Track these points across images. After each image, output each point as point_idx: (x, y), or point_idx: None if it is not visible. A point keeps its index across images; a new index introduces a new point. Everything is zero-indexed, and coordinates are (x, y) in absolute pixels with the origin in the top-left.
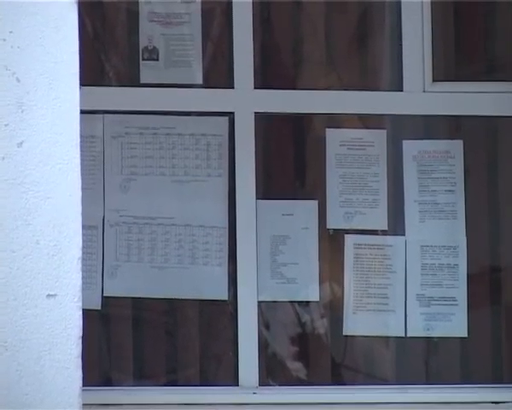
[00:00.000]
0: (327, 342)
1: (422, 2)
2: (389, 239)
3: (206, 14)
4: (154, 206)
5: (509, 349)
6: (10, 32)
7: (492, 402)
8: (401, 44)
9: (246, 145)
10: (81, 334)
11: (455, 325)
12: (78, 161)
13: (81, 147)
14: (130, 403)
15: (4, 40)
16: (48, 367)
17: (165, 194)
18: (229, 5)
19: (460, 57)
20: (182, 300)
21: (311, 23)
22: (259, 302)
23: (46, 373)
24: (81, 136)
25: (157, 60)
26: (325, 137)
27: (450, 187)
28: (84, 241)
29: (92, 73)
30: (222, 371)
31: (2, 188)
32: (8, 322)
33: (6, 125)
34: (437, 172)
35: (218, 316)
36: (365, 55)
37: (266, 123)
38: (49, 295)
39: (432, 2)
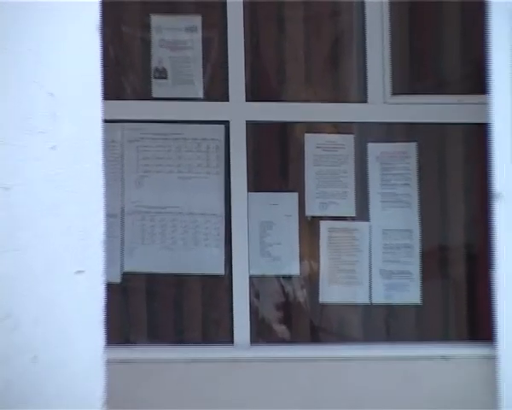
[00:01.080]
0: (306, 309)
1: (383, 29)
2: (356, 224)
3: (206, 41)
4: (163, 198)
5: (455, 314)
6: (46, 55)
7: (441, 357)
8: (365, 64)
9: (239, 148)
10: (104, 303)
11: (410, 294)
12: (101, 161)
13: (103, 150)
14: (144, 359)
15: (38, 61)
16: (77, 330)
17: (172, 188)
18: (225, 33)
19: (414, 74)
20: (186, 275)
21: (292, 48)
22: (250, 276)
23: (76, 335)
24: (103, 141)
25: (166, 78)
26: (304, 141)
27: (406, 181)
28: (106, 227)
29: (112, 88)
30: (220, 333)
31: (38, 184)
32: (44, 294)
33: (41, 132)
34: (395, 169)
35: (217, 288)
36: (336, 74)
37: (256, 129)
38: (78, 271)
39: (391, 30)
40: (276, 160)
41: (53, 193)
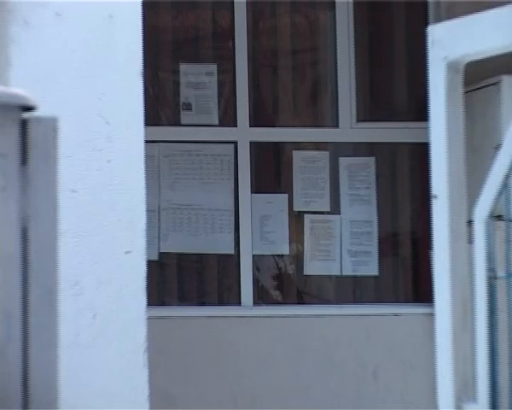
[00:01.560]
0: (293, 279)
1: (350, 74)
2: (331, 217)
3: (220, 83)
4: (188, 197)
5: (404, 282)
6: (102, 93)
7: (394, 314)
8: (337, 99)
9: (244, 161)
10: (145, 275)
11: (370, 268)
12: (143, 171)
13: (145, 162)
14: (175, 316)
15: (99, 99)
16: (126, 294)
17: (195, 190)
18: (234, 77)
19: (373, 107)
20: (206, 254)
21: (283, 87)
22: (253, 255)
23: (125, 298)
24: (146, 156)
25: (191, 110)
26: (292, 156)
27: (367, 185)
28: (147, 219)
29: (151, 117)
30: (230, 297)
31: (98, 187)
32: (102, 267)
33: (100, 150)
34: (359, 177)
35: (228, 264)
36: (315, 106)
37: (257, 148)
38: (127, 252)
39: (356, 75)
40: (271, 170)
41: (109, 194)
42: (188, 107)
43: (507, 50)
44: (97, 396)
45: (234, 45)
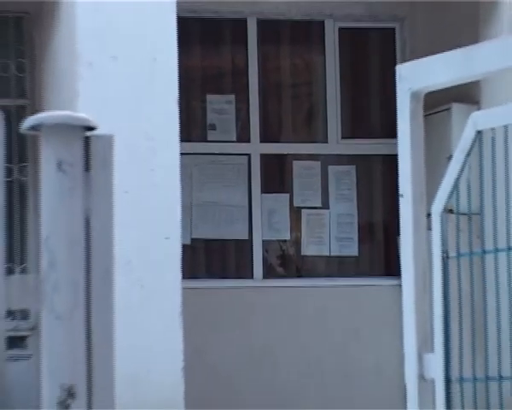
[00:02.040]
0: (294, 258)
1: (337, 102)
2: (322, 211)
3: (237, 110)
4: (213, 197)
5: (378, 260)
6: (148, 117)
7: (370, 285)
8: (327, 121)
9: (256, 169)
10: (180, 255)
11: (352, 250)
12: (178, 176)
13: (180, 169)
14: (203, 287)
15: (145, 121)
16: (165, 270)
17: (218, 191)
18: (247, 105)
19: (355, 126)
20: (227, 239)
21: (285, 112)
22: (263, 240)
23: (164, 272)
24: (181, 165)
25: (215, 130)
26: (292, 165)
27: (350, 187)
28: (181, 212)
29: (185, 135)
30: (246, 272)
31: (145, 189)
32: (142, 254)
33: (145, 160)
34: (344, 181)
35: (244, 247)
36: (310, 126)
37: (265, 158)
38: (166, 237)
39: (341, 102)
40: (276, 176)
41: (152, 194)
42: (213, 127)
43: (455, 83)
44: (142, 350)
45: (247, 80)
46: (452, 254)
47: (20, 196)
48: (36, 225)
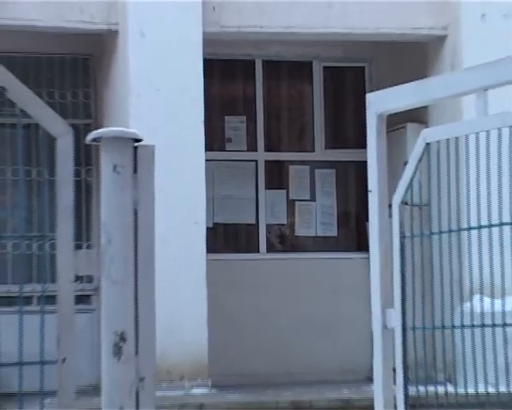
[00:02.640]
0: (289, 237)
1: (321, 120)
2: (311, 203)
3: (247, 127)
4: (230, 192)
5: (352, 239)
6: (179, 132)
7: (347, 258)
8: (314, 134)
9: (261, 172)
10: (205, 235)
11: (332, 232)
12: (203, 177)
13: (205, 172)
14: (223, 259)
15: (177, 135)
16: (194, 247)
17: (233, 188)
18: (255, 124)
19: (335, 139)
20: (240, 223)
21: (283, 127)
22: (266, 224)
23: (193, 249)
24: (206, 168)
25: (231, 142)
26: (289, 169)
27: (331, 186)
28: (206, 203)
29: (209, 146)
30: (253, 247)
31: (177, 187)
32: (176, 235)
33: (179, 162)
34: (327, 181)
35: (252, 229)
36: (302, 139)
37: (269, 164)
38: (195, 222)
39: (325, 120)
40: (276, 176)
41: (184, 191)
42: (229, 140)
43: (410, 108)
44: (176, 306)
45: (255, 105)
46: (407, 235)
47: (86, 191)
48: (97, 213)
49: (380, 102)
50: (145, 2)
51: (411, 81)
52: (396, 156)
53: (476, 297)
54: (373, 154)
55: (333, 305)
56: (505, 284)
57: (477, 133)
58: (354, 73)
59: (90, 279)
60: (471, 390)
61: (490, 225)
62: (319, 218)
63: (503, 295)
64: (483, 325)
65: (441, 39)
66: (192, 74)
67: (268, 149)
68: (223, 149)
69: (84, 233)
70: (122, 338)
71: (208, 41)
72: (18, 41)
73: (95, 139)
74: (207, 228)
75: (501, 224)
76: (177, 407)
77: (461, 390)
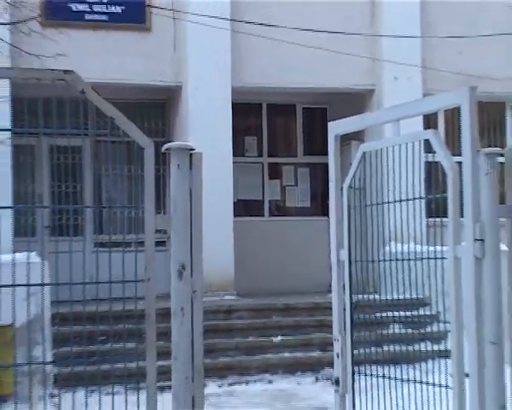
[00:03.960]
0: (282, 208)
1: (302, 139)
2: (295, 187)
3: (257, 143)
4: (247, 182)
5: (320, 209)
6: (215, 145)
7: (316, 220)
8: (297, 147)
9: (265, 170)
10: (232, 206)
11: (306, 203)
12: (231, 175)
13: (233, 171)
14: (243, 220)
15: (214, 148)
16: (224, 213)
17: (249, 179)
18: (261, 141)
19: (310, 149)
20: (253, 199)
21: (279, 144)
22: (269, 200)
23: (224, 215)
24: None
25: (248, 151)
26: (282, 169)
27: (306, 178)
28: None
29: (234, 154)
30: (261, 213)
31: (213, 181)
32: (216, 206)
33: (217, 165)
34: (304, 175)
35: (260, 203)
36: (290, 149)
37: (270, 165)
38: (226, 198)
39: (303, 136)
40: (275, 172)
41: (218, 184)
42: (247, 151)
43: (353, 131)
44: (213, 251)
45: (262, 131)
46: (352, 206)
47: (162, 181)
48: (168, 194)
49: (336, 128)
50: (197, 68)
51: (354, 115)
52: (345, 160)
53: (392, 243)
54: (332, 158)
55: (307, 246)
56: (409, 236)
57: (392, 146)
58: (320, 111)
59: (164, 232)
60: (389, 297)
61: (400, 201)
62: (299, 196)
63: (408, 242)
64: (396, 260)
65: (371, 92)
66: (224, 112)
67: (269, 155)
68: (242, 155)
69: (161, 205)
70: (183, 267)
71: (235, 91)
72: (118, 92)
73: (167, 149)
74: (234, 202)
75: (407, 200)
76: (215, 307)
77: (383, 297)
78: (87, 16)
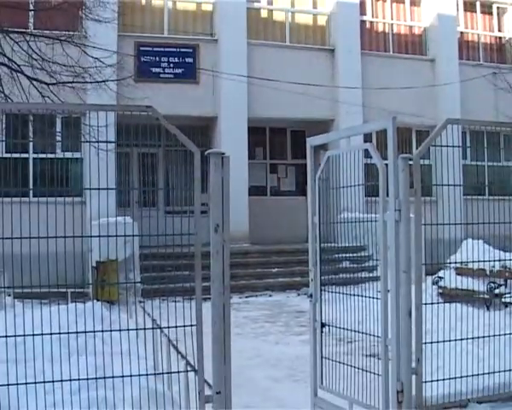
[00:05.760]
0: (278, 191)
1: (290, 150)
2: (286, 179)
3: (263, 152)
4: (257, 176)
5: (302, 192)
6: (240, 156)
7: (298, 198)
8: (287, 154)
9: (268, 168)
10: (247, 191)
11: (293, 188)
12: (247, 174)
13: (248, 171)
14: (254, 199)
15: (231, 155)
16: (241, 195)
17: (258, 174)
18: (266, 151)
19: (296, 155)
20: (261, 185)
21: (277, 153)
22: (270, 186)
23: (241, 196)
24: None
25: (258, 156)
26: (277, 167)
27: (293, 173)
28: (249, 188)
29: (249, 158)
30: (266, 193)
31: (235, 181)
32: (236, 191)
33: (238, 167)
34: (292, 172)
35: (265, 187)
36: (282, 155)
37: (272, 165)
38: (243, 185)
39: (291, 151)
40: (273, 169)
41: (240, 174)
42: (257, 156)
43: (323, 143)
44: (235, 217)
45: (266, 144)
46: (321, 190)
47: (206, 175)
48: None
49: (311, 141)
50: (226, 106)
51: (322, 134)
52: (317, 162)
53: (344, 212)
54: (309, 161)
55: (293, 214)
56: (355, 207)
57: (346, 153)
58: (302, 132)
59: (206, 204)
60: (342, 245)
61: (349, 186)
62: (288, 184)
63: (354, 212)
64: (347, 222)
65: (332, 121)
66: (243, 132)
67: (270, 159)
68: (254, 159)
69: (204, 188)
70: (217, 225)
71: (249, 120)
72: (179, 120)
73: (208, 154)
74: (248, 187)
75: (353, 186)
76: (236, 251)
77: (339, 245)
78: (161, 75)
